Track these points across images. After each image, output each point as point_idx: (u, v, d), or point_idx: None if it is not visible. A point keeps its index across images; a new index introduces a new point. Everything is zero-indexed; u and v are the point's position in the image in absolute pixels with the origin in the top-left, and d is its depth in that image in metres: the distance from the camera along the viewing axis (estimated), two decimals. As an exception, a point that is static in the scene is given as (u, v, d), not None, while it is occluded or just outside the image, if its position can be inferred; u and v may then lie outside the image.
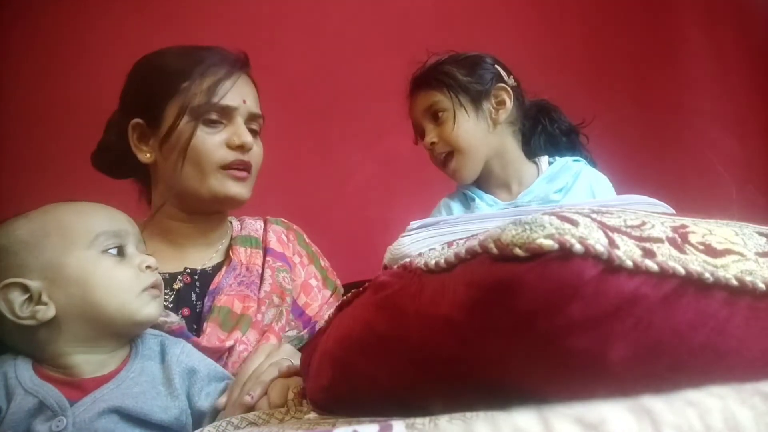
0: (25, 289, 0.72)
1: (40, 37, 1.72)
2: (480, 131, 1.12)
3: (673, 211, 0.69)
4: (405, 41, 1.77)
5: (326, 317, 0.63)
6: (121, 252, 0.78)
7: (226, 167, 1.01)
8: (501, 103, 1.14)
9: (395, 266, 0.52)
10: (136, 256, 0.79)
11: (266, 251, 1.12)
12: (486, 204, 1.14)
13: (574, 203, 0.75)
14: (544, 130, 1.20)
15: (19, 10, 1.71)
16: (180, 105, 1.00)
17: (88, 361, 0.74)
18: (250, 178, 1.06)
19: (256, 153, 1.06)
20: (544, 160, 1.17)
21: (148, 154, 1.04)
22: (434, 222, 0.76)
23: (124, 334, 0.78)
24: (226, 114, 1.02)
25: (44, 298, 0.72)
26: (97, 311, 0.73)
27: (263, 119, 1.11)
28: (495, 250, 0.34)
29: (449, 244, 0.53)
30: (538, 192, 1.11)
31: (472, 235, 0.50)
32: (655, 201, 0.75)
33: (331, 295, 1.17)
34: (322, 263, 1.21)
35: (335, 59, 1.81)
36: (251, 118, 1.06)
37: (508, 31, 1.81)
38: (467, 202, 1.17)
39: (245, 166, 1.03)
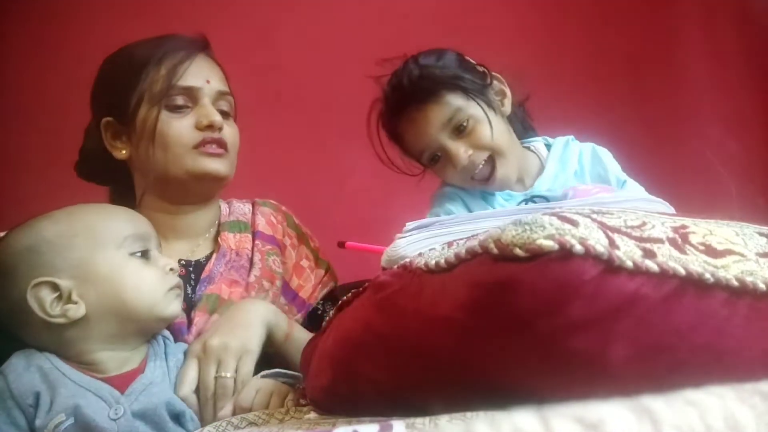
0: (55, 287, 0.73)
1: (41, 36, 1.72)
2: (506, 127, 1.03)
3: (672, 209, 0.69)
4: (404, 41, 1.77)
5: (327, 317, 0.63)
6: (145, 254, 0.80)
7: (198, 146, 1.00)
8: (501, 93, 1.05)
9: (395, 267, 0.52)
10: (159, 259, 0.81)
11: (255, 234, 1.10)
12: (501, 197, 1.06)
13: (575, 203, 0.75)
14: (515, 114, 1.10)
15: (16, 11, 1.70)
16: (141, 93, 0.99)
17: (112, 358, 0.76)
18: (228, 156, 1.04)
19: (230, 133, 1.04)
20: (538, 144, 1.09)
21: (123, 151, 1.03)
22: (430, 222, 0.74)
23: (149, 331, 0.81)
24: (191, 96, 1.01)
25: (74, 296, 0.73)
26: (128, 309, 0.75)
27: (233, 98, 1.09)
28: (495, 250, 0.34)
29: (449, 244, 0.53)
30: (555, 177, 1.04)
31: (473, 235, 0.50)
32: (654, 198, 0.75)
33: (325, 274, 1.15)
34: (312, 244, 1.19)
35: (335, 59, 1.81)
36: (219, 97, 1.04)
37: (508, 32, 1.81)
38: (484, 194, 1.08)
39: (219, 144, 1.01)
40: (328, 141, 1.81)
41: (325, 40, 1.82)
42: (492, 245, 0.34)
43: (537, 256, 0.32)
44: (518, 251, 0.32)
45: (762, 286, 0.36)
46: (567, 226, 0.33)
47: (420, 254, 0.49)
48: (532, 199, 1.03)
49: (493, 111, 1.01)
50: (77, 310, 0.73)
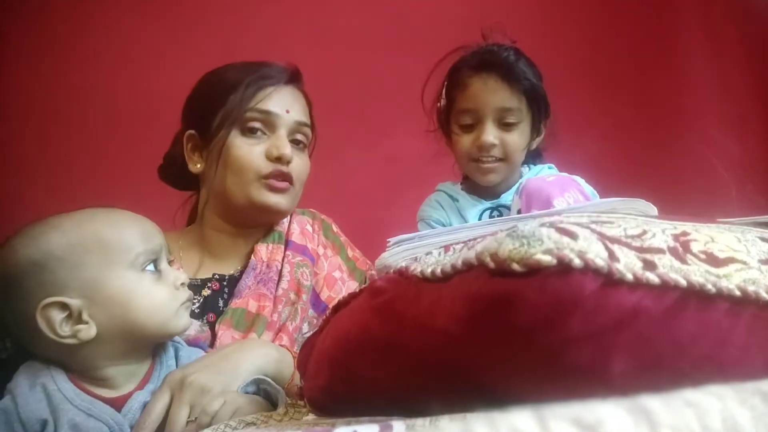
0: (64, 307, 0.70)
1: (48, 37, 1.71)
2: (525, 151, 1.09)
3: (654, 207, 0.68)
4: (406, 42, 1.76)
5: (324, 316, 0.63)
6: (156, 268, 0.77)
7: (266, 177, 1.01)
8: (544, 128, 1.12)
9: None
10: (170, 273, 0.78)
11: (287, 244, 1.10)
12: (469, 203, 1.12)
13: (573, 208, 0.74)
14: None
15: (26, 10, 1.70)
16: (225, 114, 1.02)
17: (120, 373, 0.75)
18: (292, 190, 1.05)
19: (298, 165, 1.06)
20: (525, 170, 1.15)
21: (198, 165, 1.07)
22: (410, 237, 0.77)
23: (157, 343, 0.80)
24: (268, 123, 1.03)
25: (85, 316, 0.70)
26: (139, 330, 0.73)
27: (312, 130, 1.11)
28: (492, 265, 0.33)
29: (446, 248, 0.52)
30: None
31: (471, 240, 0.50)
32: (630, 198, 0.74)
33: (360, 286, 1.14)
34: (350, 253, 1.18)
35: (336, 59, 1.80)
36: (296, 128, 1.06)
37: (508, 33, 1.80)
38: (454, 199, 1.16)
39: (285, 177, 1.03)
40: (329, 141, 1.80)
41: (326, 40, 1.82)
42: (488, 259, 0.33)
43: (535, 271, 0.32)
44: (515, 266, 0.32)
45: (765, 295, 0.36)
46: (565, 239, 0.32)
47: (416, 259, 0.49)
48: (497, 208, 1.10)
49: (531, 133, 1.08)
50: (88, 331, 0.70)
